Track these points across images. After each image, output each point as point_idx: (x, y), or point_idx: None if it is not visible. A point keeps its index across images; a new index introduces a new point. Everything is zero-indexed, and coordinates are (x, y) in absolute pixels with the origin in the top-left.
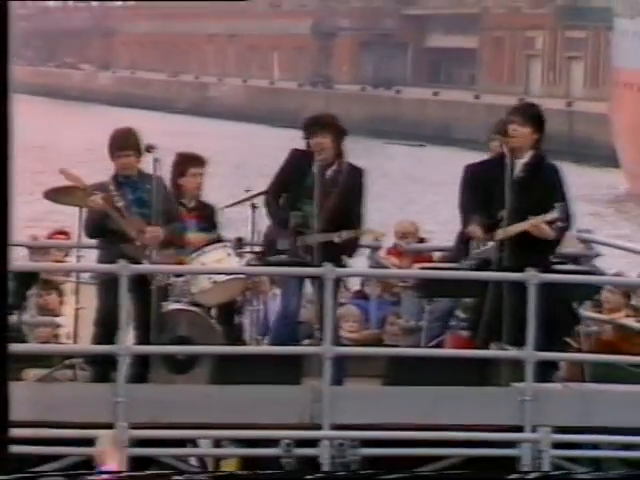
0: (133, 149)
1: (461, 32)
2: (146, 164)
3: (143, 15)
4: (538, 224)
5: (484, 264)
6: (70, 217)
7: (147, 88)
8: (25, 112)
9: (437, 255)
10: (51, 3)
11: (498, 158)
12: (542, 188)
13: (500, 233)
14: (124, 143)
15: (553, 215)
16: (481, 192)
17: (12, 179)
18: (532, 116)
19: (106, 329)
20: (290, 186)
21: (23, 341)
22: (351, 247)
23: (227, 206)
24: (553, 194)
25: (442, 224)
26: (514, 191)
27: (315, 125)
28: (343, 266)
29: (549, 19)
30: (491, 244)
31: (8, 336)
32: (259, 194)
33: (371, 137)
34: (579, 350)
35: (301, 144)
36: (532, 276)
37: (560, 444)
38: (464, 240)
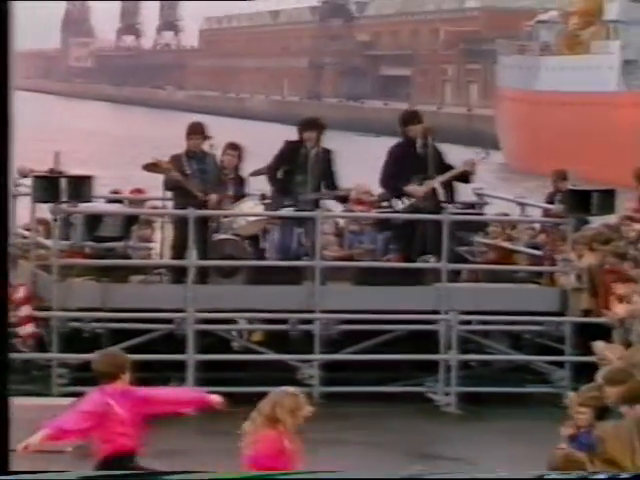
0: (200, 134)
1: (402, 65)
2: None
3: (204, 55)
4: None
5: (415, 209)
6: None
7: (206, 101)
8: (131, 119)
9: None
10: (145, 45)
11: (406, 141)
12: (435, 157)
13: (428, 184)
14: (195, 130)
15: (475, 158)
16: (401, 164)
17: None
18: (419, 118)
19: (179, 250)
20: (286, 164)
21: (129, 258)
22: (344, 197)
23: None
24: (443, 159)
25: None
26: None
27: (308, 124)
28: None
29: (456, 57)
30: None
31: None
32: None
33: (346, 131)
34: (475, 262)
35: (294, 136)
36: (445, 216)
37: (463, 322)
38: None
